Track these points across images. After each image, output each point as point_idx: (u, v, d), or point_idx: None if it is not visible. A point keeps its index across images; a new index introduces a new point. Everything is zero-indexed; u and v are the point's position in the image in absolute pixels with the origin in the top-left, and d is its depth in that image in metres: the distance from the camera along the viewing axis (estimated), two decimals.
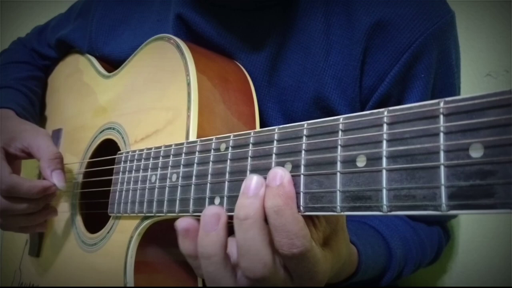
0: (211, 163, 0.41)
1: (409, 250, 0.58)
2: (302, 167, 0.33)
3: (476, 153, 0.24)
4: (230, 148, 0.40)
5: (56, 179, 0.59)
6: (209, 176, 0.41)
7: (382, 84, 0.53)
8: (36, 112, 0.81)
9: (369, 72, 0.54)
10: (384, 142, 0.28)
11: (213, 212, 0.34)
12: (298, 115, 0.57)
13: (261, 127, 0.56)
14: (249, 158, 0.37)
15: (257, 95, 0.57)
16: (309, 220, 0.35)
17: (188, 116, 0.48)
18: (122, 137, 0.59)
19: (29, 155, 0.63)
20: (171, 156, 0.47)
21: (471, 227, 0.73)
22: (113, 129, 0.62)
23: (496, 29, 0.70)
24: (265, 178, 0.33)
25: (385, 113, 0.28)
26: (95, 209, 0.64)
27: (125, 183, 0.53)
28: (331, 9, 0.55)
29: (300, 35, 0.56)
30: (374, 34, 0.52)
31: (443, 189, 0.25)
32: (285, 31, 0.56)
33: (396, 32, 0.52)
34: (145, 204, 0.49)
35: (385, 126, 0.28)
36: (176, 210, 0.44)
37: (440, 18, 0.52)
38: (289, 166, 0.34)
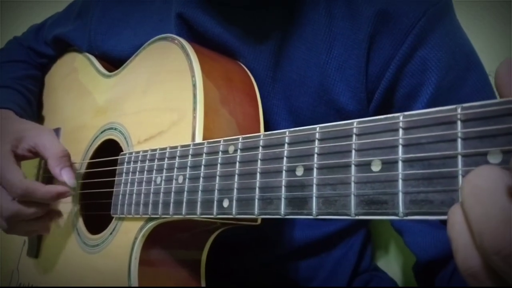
0: (219, 165, 0.41)
1: None
2: (315, 171, 0.33)
3: (494, 159, 0.24)
4: (239, 151, 0.40)
5: (66, 177, 0.59)
6: (217, 178, 0.41)
7: (388, 70, 0.53)
8: (33, 111, 0.81)
9: (375, 59, 0.53)
10: (400, 147, 0.28)
11: None
12: (303, 110, 0.57)
13: (266, 125, 0.56)
14: (259, 161, 0.37)
15: (261, 92, 0.56)
16: None
17: (194, 117, 0.48)
18: (125, 138, 0.59)
19: (36, 154, 0.63)
20: (177, 157, 0.46)
21: None
22: (115, 129, 0.62)
23: (496, 29, 0.71)
24: None
25: (401, 117, 0.28)
26: (96, 210, 0.64)
27: (128, 184, 0.53)
28: (332, 2, 0.55)
29: (303, 30, 0.56)
30: (377, 22, 0.52)
31: None
32: (287, 26, 0.56)
33: (398, 17, 0.51)
34: (150, 205, 0.49)
35: (400, 131, 0.28)
36: (183, 212, 0.44)
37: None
38: (301, 169, 0.34)
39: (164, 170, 0.48)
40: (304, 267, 0.66)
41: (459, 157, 0.25)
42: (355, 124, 0.31)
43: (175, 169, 0.46)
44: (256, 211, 0.37)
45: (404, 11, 0.51)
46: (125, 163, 0.55)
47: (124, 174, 0.54)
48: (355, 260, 0.69)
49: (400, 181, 0.28)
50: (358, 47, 0.53)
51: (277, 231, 0.63)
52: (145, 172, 0.51)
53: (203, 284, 0.55)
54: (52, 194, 0.57)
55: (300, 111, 0.57)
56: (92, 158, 0.65)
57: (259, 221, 0.50)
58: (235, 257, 0.64)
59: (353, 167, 0.30)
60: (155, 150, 0.50)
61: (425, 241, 0.55)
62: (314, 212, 0.32)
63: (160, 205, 0.47)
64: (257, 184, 0.37)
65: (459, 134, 0.25)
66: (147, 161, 0.51)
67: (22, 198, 0.57)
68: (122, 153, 0.57)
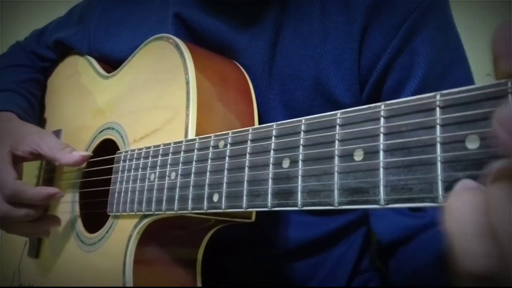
0: (209, 160, 0.41)
1: None
2: (300, 162, 0.33)
3: (472, 144, 0.24)
4: (228, 145, 0.40)
5: (79, 153, 0.60)
6: (208, 173, 0.41)
7: (380, 62, 0.53)
8: (36, 114, 0.82)
9: (366, 51, 0.54)
10: (381, 136, 0.28)
11: None
12: (299, 104, 0.57)
13: (263, 120, 0.57)
14: (247, 155, 0.38)
15: (258, 88, 0.57)
16: None
17: (187, 115, 0.48)
18: (121, 137, 0.59)
19: (37, 157, 0.63)
20: (170, 154, 0.47)
21: None
22: (113, 129, 0.62)
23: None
24: None
25: (382, 106, 0.28)
26: (94, 208, 0.64)
27: (124, 182, 0.54)
28: None
29: (298, 24, 0.56)
30: (370, 14, 0.52)
31: (439, 181, 0.25)
32: (282, 21, 0.57)
33: (391, 9, 0.52)
34: (144, 202, 0.49)
35: (382, 120, 0.28)
36: (175, 208, 0.44)
37: None
38: (287, 161, 0.34)
39: (158, 167, 0.48)
40: (302, 266, 0.65)
41: (438, 144, 0.25)
42: (338, 114, 0.31)
43: (168, 166, 0.47)
44: (244, 204, 0.37)
45: (396, 4, 0.52)
46: (121, 161, 0.55)
47: (120, 172, 0.55)
48: (355, 259, 0.69)
49: (381, 170, 0.27)
50: (352, 40, 0.54)
51: (275, 230, 0.63)
52: (140, 169, 0.51)
53: (199, 283, 0.55)
54: (42, 196, 0.58)
55: (297, 105, 0.58)
56: (90, 157, 0.66)
57: (253, 218, 0.50)
58: (232, 256, 0.64)
59: (336, 158, 0.30)
60: (149, 147, 0.50)
61: (388, 224, 0.57)
62: (299, 203, 0.32)
63: (153, 202, 0.47)
64: (246, 178, 0.37)
65: (438, 121, 0.25)
66: (141, 158, 0.51)
67: (11, 198, 0.57)
68: (118, 151, 0.57)
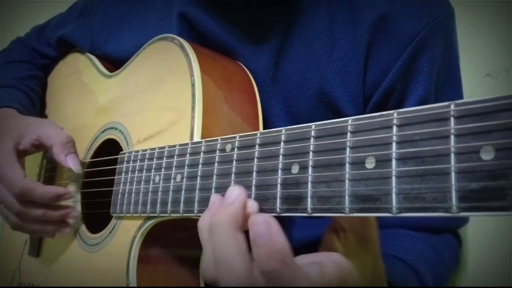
0: (216, 163, 0.41)
1: (435, 272, 0.57)
2: (310, 168, 0.33)
3: (487, 155, 0.24)
4: (236, 149, 0.40)
5: (72, 163, 0.60)
6: (214, 176, 0.41)
7: (386, 78, 0.54)
8: (36, 111, 0.81)
9: (373, 67, 0.54)
10: (394, 144, 0.28)
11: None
12: (301, 111, 0.57)
13: (264, 125, 0.56)
14: (255, 159, 0.37)
15: (261, 93, 0.57)
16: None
17: (193, 117, 0.48)
18: (125, 137, 0.59)
19: (40, 147, 0.63)
20: (176, 156, 0.47)
21: (472, 227, 0.73)
22: (115, 129, 0.62)
23: (496, 29, 0.71)
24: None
25: (395, 115, 0.28)
26: (96, 209, 0.64)
27: (128, 183, 0.53)
28: (334, 6, 0.55)
29: (304, 32, 0.56)
30: (377, 29, 0.53)
31: (453, 191, 0.25)
32: (288, 28, 0.57)
33: (398, 27, 0.52)
34: (148, 204, 0.49)
35: (394, 128, 0.28)
36: (181, 211, 0.44)
37: (441, 12, 0.53)
38: (296, 167, 0.34)
39: (163, 169, 0.48)
40: None
41: (452, 154, 0.25)
42: (350, 121, 0.31)
43: (173, 168, 0.46)
44: None
45: (404, 22, 0.52)
46: (125, 162, 0.55)
47: (123, 173, 0.55)
48: None
49: (393, 178, 0.27)
50: (358, 53, 0.54)
51: None
52: (144, 171, 0.51)
53: (202, 283, 0.55)
54: (51, 195, 0.58)
55: (298, 113, 0.58)
56: (92, 157, 0.66)
57: None
58: None
59: (347, 165, 0.30)
60: (154, 149, 0.50)
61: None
62: (309, 209, 0.32)
63: (158, 204, 0.47)
64: (253, 182, 0.37)
65: (452, 131, 0.25)
66: (146, 160, 0.51)
67: (21, 197, 0.57)
68: (121, 152, 0.57)
